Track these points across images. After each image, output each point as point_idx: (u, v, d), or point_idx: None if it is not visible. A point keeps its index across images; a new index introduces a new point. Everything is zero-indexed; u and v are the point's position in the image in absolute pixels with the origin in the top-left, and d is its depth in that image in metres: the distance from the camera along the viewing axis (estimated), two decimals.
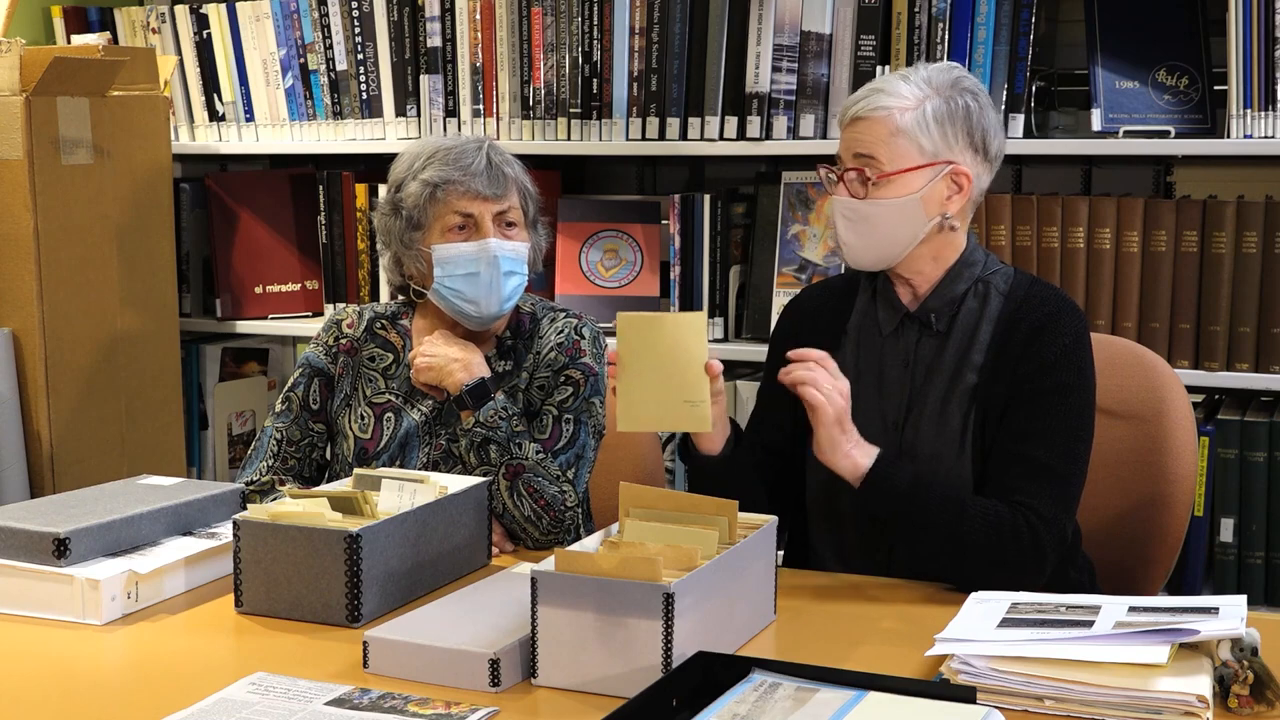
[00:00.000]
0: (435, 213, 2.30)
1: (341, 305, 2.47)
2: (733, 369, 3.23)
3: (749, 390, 3.10)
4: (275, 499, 2.27)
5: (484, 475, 2.21)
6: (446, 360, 2.26)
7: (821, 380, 1.96)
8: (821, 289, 2.31)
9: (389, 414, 2.34)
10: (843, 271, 2.49)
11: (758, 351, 2.42)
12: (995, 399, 2.06)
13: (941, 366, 2.10)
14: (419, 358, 2.29)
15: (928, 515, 1.97)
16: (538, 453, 2.25)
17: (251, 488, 2.33)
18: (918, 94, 2.05)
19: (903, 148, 2.04)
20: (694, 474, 2.12)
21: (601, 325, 3.24)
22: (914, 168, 2.04)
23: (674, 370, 1.93)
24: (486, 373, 2.27)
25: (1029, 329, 2.07)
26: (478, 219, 2.29)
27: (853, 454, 1.98)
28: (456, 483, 2.10)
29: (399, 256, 2.36)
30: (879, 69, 2.95)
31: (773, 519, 1.86)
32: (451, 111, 3.34)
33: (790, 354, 2.01)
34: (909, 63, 2.95)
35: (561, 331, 2.35)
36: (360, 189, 3.46)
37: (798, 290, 2.64)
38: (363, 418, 2.34)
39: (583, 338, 2.35)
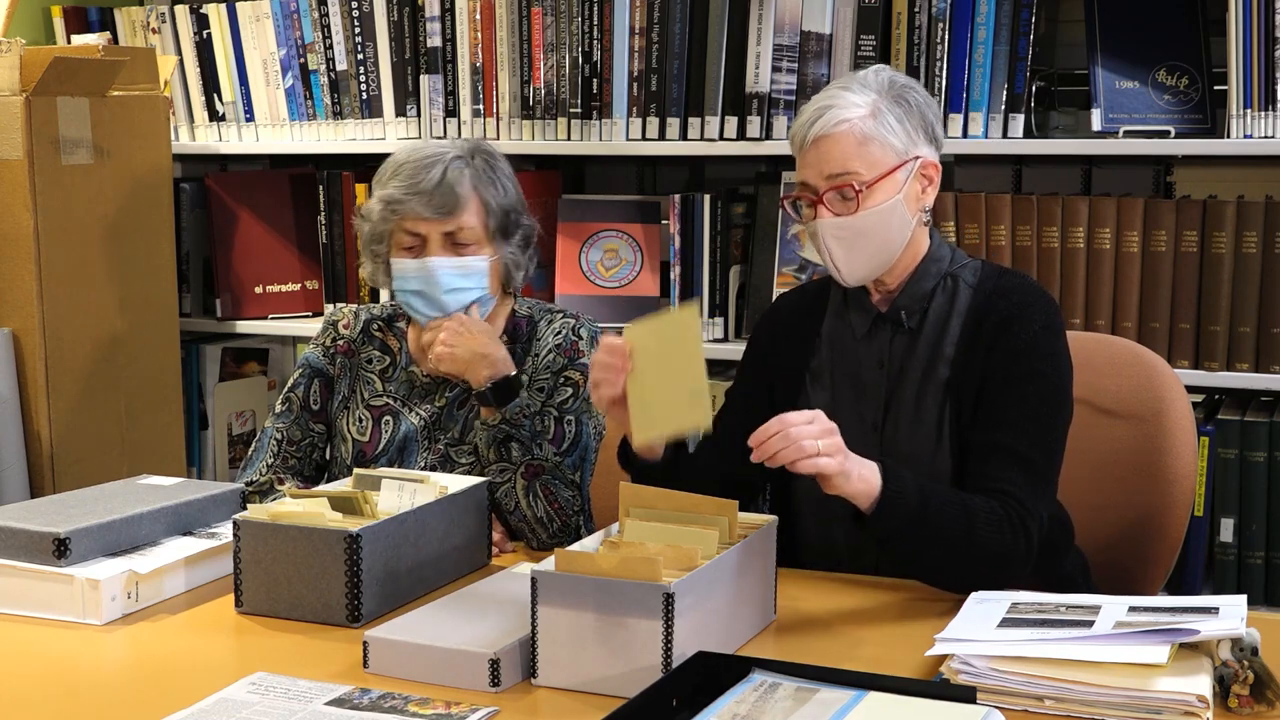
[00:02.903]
0: (389, 230, 2.31)
1: (338, 306, 2.47)
2: (732, 369, 3.23)
3: None
4: (275, 498, 2.27)
5: (500, 471, 2.21)
6: (470, 354, 2.25)
7: (806, 444, 1.81)
8: (795, 296, 2.29)
9: (387, 417, 2.34)
10: None
11: None
12: (968, 390, 2.05)
13: (914, 363, 2.09)
14: (438, 345, 2.26)
15: (941, 520, 1.91)
16: (555, 454, 2.25)
17: (251, 488, 2.33)
18: (867, 98, 2.04)
19: (876, 153, 2.02)
20: (636, 480, 2.05)
21: (601, 325, 3.25)
22: (892, 169, 2.03)
23: (673, 368, 1.90)
24: (512, 369, 2.26)
25: (999, 319, 2.06)
26: (426, 238, 2.28)
27: (865, 475, 1.88)
28: (456, 483, 2.10)
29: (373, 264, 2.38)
30: None
31: (773, 519, 1.86)
32: (451, 111, 3.34)
33: (754, 439, 1.83)
34: (909, 62, 2.95)
35: (559, 333, 2.35)
36: (360, 189, 3.46)
37: None
38: (360, 420, 2.34)
39: (580, 338, 2.35)
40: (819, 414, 1.86)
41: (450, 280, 2.27)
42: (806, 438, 1.81)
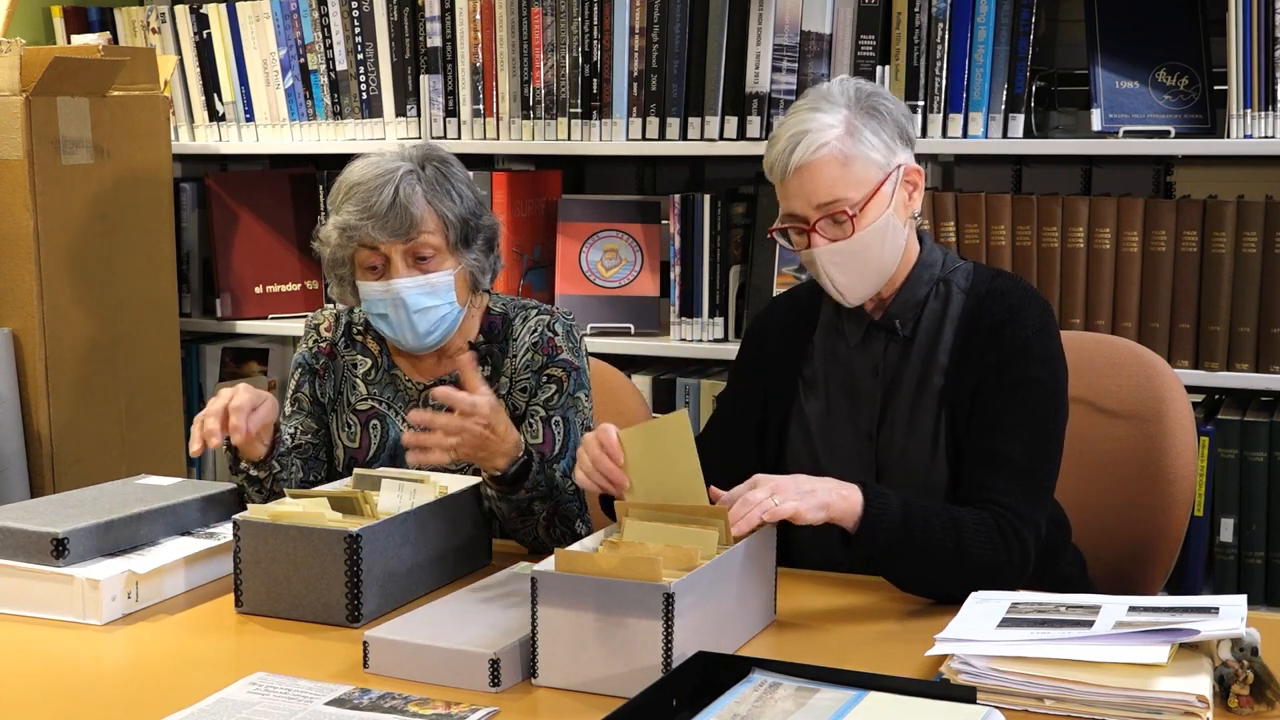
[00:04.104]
0: (350, 254, 2.25)
1: (319, 310, 2.44)
2: (729, 370, 3.23)
3: None
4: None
5: (523, 523, 2.17)
6: (475, 447, 2.05)
7: (764, 503, 1.79)
8: (787, 301, 2.27)
9: (374, 420, 2.32)
10: None
11: None
12: (963, 398, 2.04)
13: (908, 372, 2.08)
14: (418, 448, 2.04)
15: (928, 536, 1.89)
16: (559, 469, 2.23)
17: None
18: (838, 116, 2.00)
19: (860, 172, 1.99)
20: None
21: (597, 325, 3.26)
22: (879, 185, 2.00)
23: (669, 477, 1.85)
24: (522, 447, 2.13)
25: (991, 324, 2.05)
26: (388, 258, 2.22)
27: (846, 496, 1.87)
28: (456, 483, 2.09)
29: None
30: (879, 69, 2.95)
31: None
32: (451, 111, 3.34)
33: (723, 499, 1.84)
34: (909, 63, 2.95)
35: (535, 330, 2.32)
36: None
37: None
38: (349, 425, 2.33)
39: (556, 334, 2.31)
40: (758, 476, 1.84)
41: (418, 301, 2.22)
42: (759, 500, 1.79)
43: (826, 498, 1.85)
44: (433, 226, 2.23)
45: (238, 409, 2.10)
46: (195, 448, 2.09)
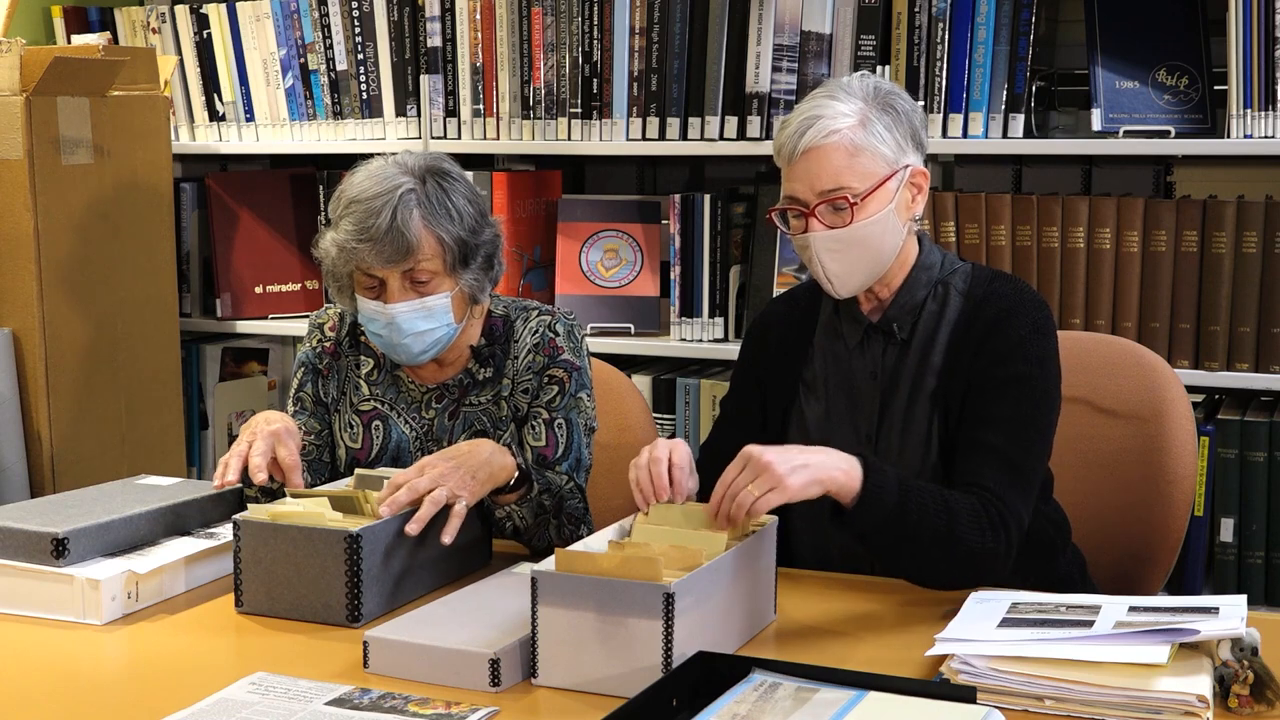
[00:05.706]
0: (348, 271, 2.23)
1: (322, 309, 2.42)
2: (730, 370, 3.23)
3: None
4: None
5: (538, 522, 2.17)
6: (464, 476, 2.04)
7: (742, 498, 1.79)
8: (785, 304, 2.27)
9: (376, 421, 2.32)
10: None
11: None
12: (955, 398, 2.04)
13: (905, 374, 2.08)
14: (439, 492, 1.99)
15: (922, 517, 1.89)
16: (562, 470, 2.23)
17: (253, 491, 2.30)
18: (854, 106, 2.00)
19: (867, 164, 1.99)
20: None
21: (597, 324, 3.26)
22: (883, 180, 2.00)
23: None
24: (514, 459, 2.12)
25: (985, 324, 2.05)
26: (385, 280, 2.20)
27: (845, 469, 1.85)
28: None
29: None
30: (879, 69, 2.95)
31: (773, 519, 1.86)
32: (451, 111, 3.34)
33: (712, 513, 1.84)
34: (909, 62, 2.95)
35: (536, 332, 2.31)
36: None
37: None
38: (351, 425, 2.33)
39: (557, 334, 2.30)
40: (744, 452, 1.83)
41: (413, 325, 2.20)
42: (742, 490, 1.79)
43: (820, 473, 1.83)
44: (429, 251, 2.19)
45: (258, 468, 2.07)
46: (216, 484, 2.10)
